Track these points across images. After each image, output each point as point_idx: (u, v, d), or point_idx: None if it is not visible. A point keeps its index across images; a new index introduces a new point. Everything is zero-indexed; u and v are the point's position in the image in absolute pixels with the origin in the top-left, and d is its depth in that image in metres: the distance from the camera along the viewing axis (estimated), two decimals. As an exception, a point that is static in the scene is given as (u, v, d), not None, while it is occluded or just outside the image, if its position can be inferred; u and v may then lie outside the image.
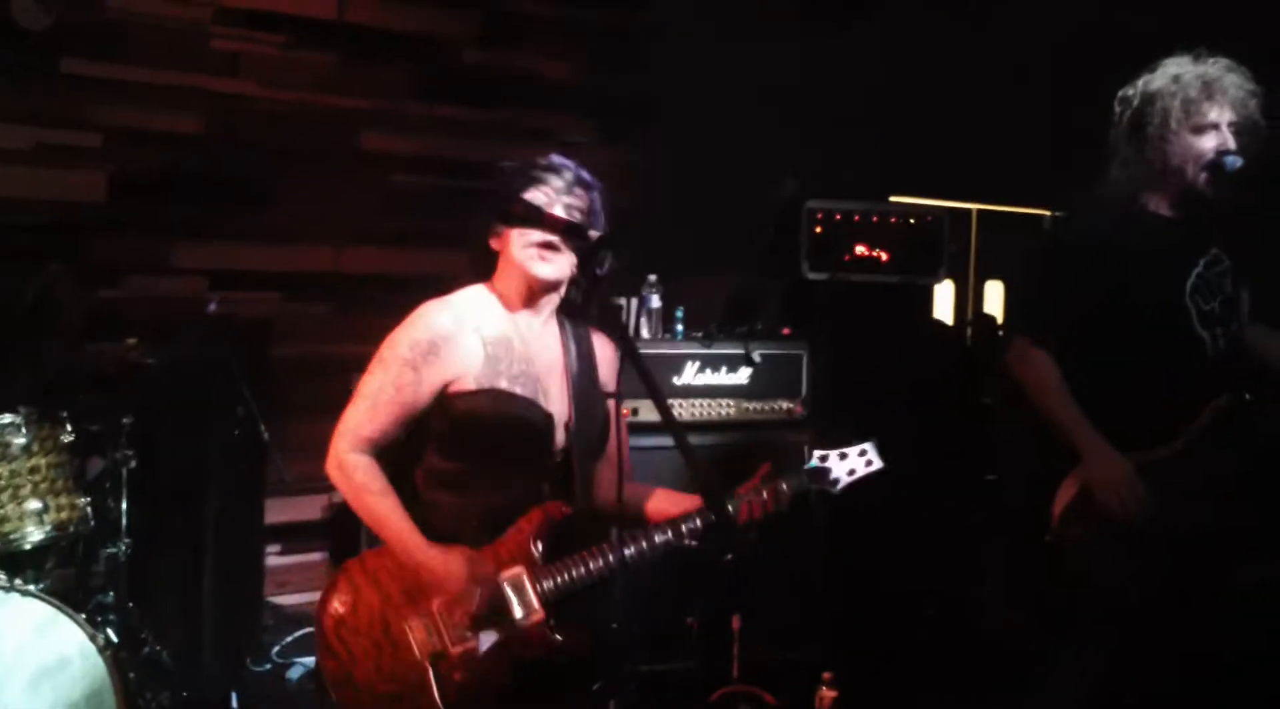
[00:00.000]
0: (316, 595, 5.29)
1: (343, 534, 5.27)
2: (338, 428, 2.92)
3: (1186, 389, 3.33)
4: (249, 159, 5.24)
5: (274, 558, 5.24)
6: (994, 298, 5.35)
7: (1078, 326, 3.36)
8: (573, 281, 3.00)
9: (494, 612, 2.83)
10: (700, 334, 4.69)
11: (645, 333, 4.60)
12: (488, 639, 2.83)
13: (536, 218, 2.80)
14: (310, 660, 4.73)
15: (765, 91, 5.78)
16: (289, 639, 4.86)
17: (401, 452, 2.97)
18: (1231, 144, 3.30)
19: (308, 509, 5.31)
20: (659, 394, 2.62)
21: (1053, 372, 3.37)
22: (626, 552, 2.88)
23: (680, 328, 4.67)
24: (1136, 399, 3.32)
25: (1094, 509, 3.30)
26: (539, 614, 2.85)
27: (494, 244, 3.00)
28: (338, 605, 2.89)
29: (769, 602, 4.43)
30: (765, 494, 3.03)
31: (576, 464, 2.97)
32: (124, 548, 3.94)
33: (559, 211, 2.89)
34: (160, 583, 4.23)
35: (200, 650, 4.33)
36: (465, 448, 2.92)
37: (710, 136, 5.73)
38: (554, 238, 2.86)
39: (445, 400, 2.90)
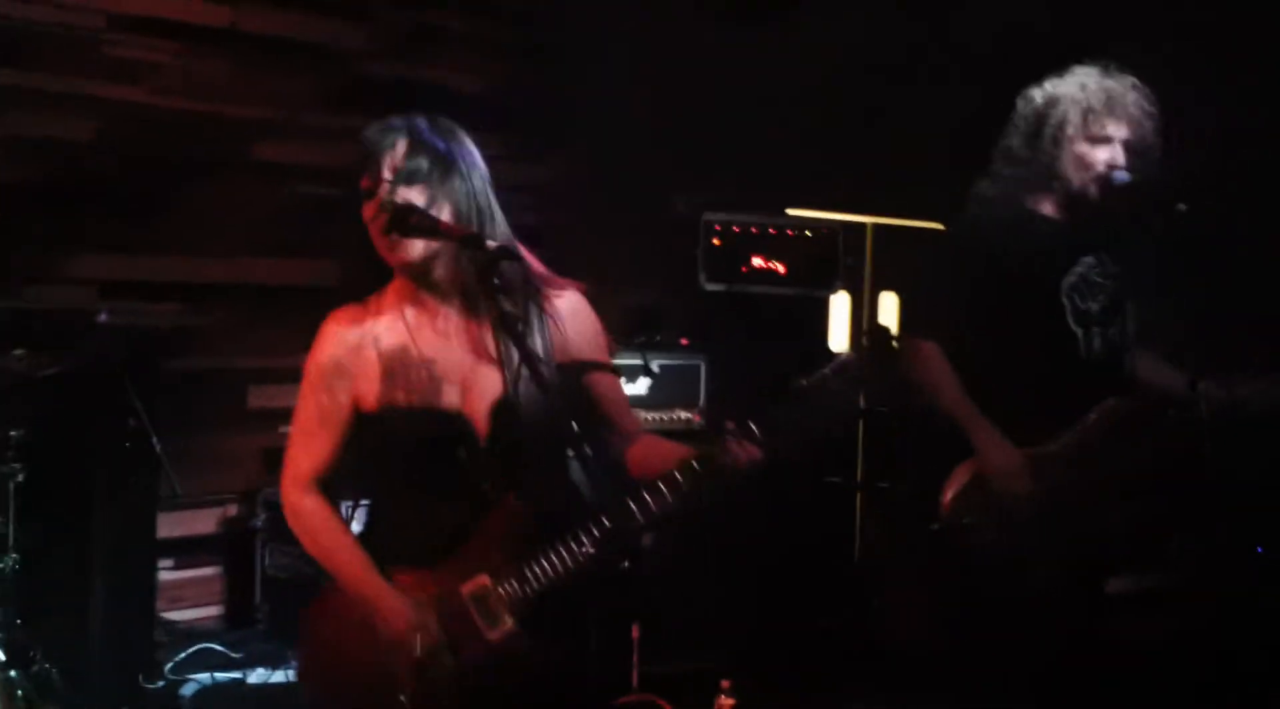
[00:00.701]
0: (211, 611, 5.30)
1: (237, 549, 5.24)
2: (282, 474, 2.79)
3: (1059, 385, 3.41)
4: (143, 167, 5.14)
5: (167, 573, 5.15)
6: (889, 310, 5.48)
7: (964, 323, 3.44)
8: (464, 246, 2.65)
9: (462, 630, 2.64)
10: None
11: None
12: (465, 660, 2.64)
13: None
14: (203, 678, 4.69)
15: (668, 106, 5.82)
16: (182, 655, 4.79)
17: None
18: (1122, 160, 3.39)
19: (202, 523, 5.24)
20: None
21: (945, 366, 3.44)
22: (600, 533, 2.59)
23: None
24: (1013, 393, 3.40)
25: (986, 497, 3.37)
26: (508, 625, 2.64)
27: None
28: (321, 640, 2.78)
29: (668, 610, 4.45)
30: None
31: (522, 451, 2.70)
32: (11, 563, 3.85)
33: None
34: (49, 599, 4.13)
35: (91, 668, 4.24)
36: (385, 470, 2.78)
37: (613, 150, 5.75)
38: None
39: (358, 421, 2.76)
